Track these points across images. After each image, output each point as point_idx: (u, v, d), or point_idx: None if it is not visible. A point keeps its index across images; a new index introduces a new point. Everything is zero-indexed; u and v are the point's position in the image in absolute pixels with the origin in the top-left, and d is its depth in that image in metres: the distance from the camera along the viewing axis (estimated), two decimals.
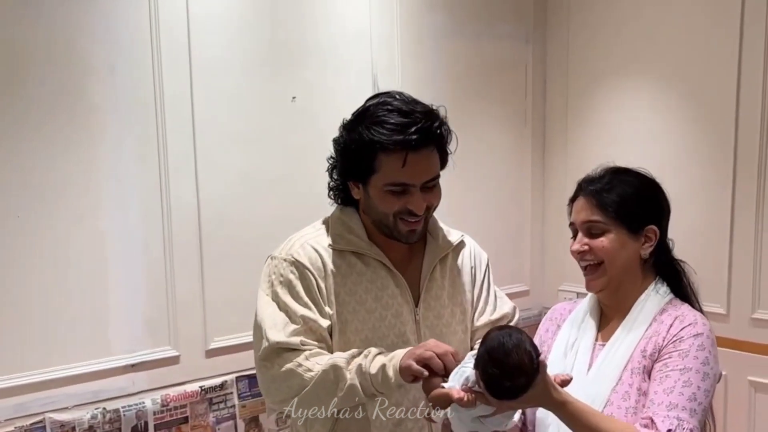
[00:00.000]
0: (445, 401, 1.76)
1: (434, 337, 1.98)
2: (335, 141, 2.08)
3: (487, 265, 2.28)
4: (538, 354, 1.73)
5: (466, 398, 1.73)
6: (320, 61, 3.51)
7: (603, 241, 1.96)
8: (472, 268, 2.22)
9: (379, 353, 1.93)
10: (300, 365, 1.94)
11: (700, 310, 2.00)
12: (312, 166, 3.45)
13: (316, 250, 2.05)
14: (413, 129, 1.91)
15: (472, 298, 2.20)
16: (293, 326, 1.98)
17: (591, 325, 2.06)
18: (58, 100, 2.80)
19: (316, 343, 1.99)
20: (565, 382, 1.81)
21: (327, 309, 2.01)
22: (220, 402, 3.27)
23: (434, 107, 2.02)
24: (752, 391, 3.75)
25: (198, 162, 3.17)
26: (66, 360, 2.89)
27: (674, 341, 1.88)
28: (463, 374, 1.78)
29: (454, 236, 2.21)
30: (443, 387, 1.80)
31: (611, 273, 1.98)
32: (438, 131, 1.97)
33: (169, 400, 3.13)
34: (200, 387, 3.22)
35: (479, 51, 4.21)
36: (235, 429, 3.31)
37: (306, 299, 2.01)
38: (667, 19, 3.95)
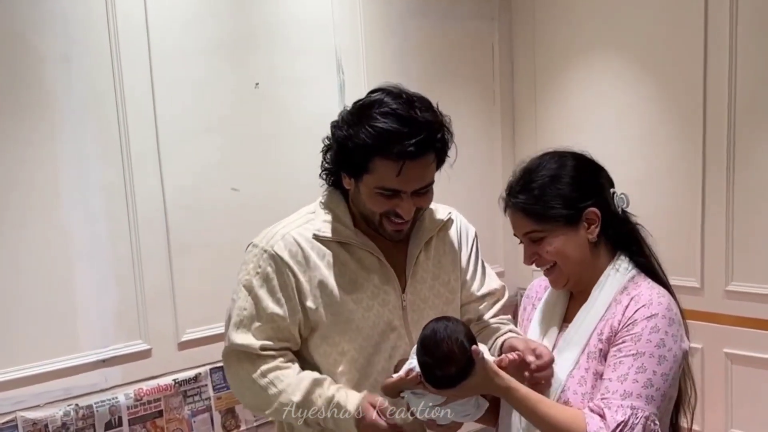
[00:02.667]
0: (393, 389, 1.86)
1: (420, 320, 1.98)
2: (333, 127, 1.97)
3: (475, 238, 2.23)
4: (474, 343, 1.78)
5: (406, 377, 1.80)
6: (282, 46, 3.47)
7: (547, 246, 1.91)
8: (458, 244, 2.17)
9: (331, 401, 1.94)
10: (256, 381, 1.96)
11: (664, 281, 1.94)
12: (279, 152, 3.44)
13: (298, 243, 1.98)
14: (413, 141, 1.82)
15: (459, 274, 2.15)
16: (257, 323, 1.96)
17: (560, 307, 2.02)
18: (12, 93, 2.76)
19: (280, 343, 1.97)
20: (510, 362, 1.84)
21: (309, 303, 1.96)
22: (195, 395, 3.24)
23: (436, 108, 1.93)
24: (728, 363, 3.77)
25: (161, 152, 3.13)
26: (35, 357, 2.86)
27: (628, 325, 1.82)
28: (410, 364, 1.84)
29: (441, 213, 2.16)
30: (392, 377, 1.88)
31: (567, 269, 1.93)
32: (439, 141, 1.89)
33: (142, 394, 3.09)
34: (174, 380, 3.18)
35: (445, 31, 4.18)
36: (211, 421, 3.28)
37: (279, 295, 1.96)
38: None
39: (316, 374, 1.97)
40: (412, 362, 1.83)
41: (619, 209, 1.96)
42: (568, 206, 1.89)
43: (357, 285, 1.99)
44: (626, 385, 1.75)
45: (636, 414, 1.71)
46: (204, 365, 3.26)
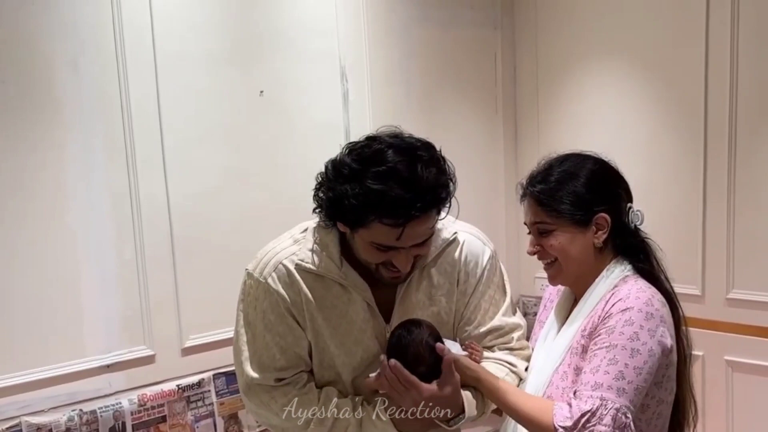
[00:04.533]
0: (371, 389, 1.93)
1: None
2: (328, 173, 1.83)
3: (487, 263, 2.04)
4: (439, 342, 1.88)
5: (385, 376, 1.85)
6: (287, 53, 3.48)
7: (552, 240, 1.95)
8: (458, 273, 2.01)
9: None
10: (279, 414, 1.96)
11: (667, 288, 1.96)
12: (283, 160, 3.46)
13: (290, 273, 1.93)
14: (417, 206, 1.71)
15: (452, 307, 2.02)
16: (268, 355, 1.96)
17: (565, 310, 2.07)
18: (20, 97, 2.77)
19: (293, 371, 1.97)
20: (471, 352, 1.94)
21: (306, 331, 1.95)
22: (198, 400, 3.25)
23: (440, 154, 1.84)
24: (729, 371, 3.77)
25: (166, 159, 3.14)
26: (41, 362, 2.86)
27: (604, 318, 1.85)
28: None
29: (445, 234, 2.00)
30: (370, 376, 1.93)
31: (567, 267, 1.97)
32: (443, 201, 1.81)
33: (146, 399, 3.10)
34: (177, 385, 3.19)
35: (448, 39, 4.19)
36: (214, 427, 3.29)
37: (280, 329, 1.95)
38: (635, 5, 3.95)
39: (336, 399, 1.95)
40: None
41: (632, 224, 2.00)
42: (579, 206, 1.93)
43: (340, 329, 1.95)
44: (597, 377, 1.77)
45: (605, 405, 1.73)
46: (207, 371, 3.27)
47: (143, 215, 3.09)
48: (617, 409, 1.73)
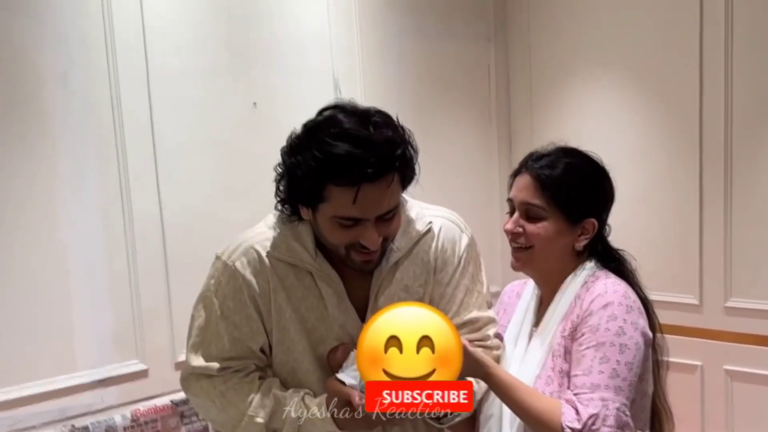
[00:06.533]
0: (343, 401, 1.72)
1: None
2: (283, 153, 1.78)
3: (464, 252, 1.93)
4: None
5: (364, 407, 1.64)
6: (280, 66, 3.48)
7: (539, 228, 1.89)
8: (435, 262, 1.91)
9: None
10: (215, 402, 1.87)
11: (642, 293, 1.92)
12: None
13: (260, 259, 1.83)
14: (369, 162, 1.62)
15: (428, 297, 1.91)
16: (216, 344, 1.86)
17: (530, 314, 2.01)
18: (10, 109, 2.76)
19: (240, 362, 1.87)
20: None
21: (266, 324, 1.86)
22: (192, 415, 3.19)
23: (396, 121, 1.74)
24: (728, 380, 3.74)
25: (159, 171, 3.13)
26: (31, 377, 2.83)
27: (585, 317, 1.81)
28: (353, 377, 1.73)
29: (419, 225, 1.88)
30: (340, 381, 1.74)
31: (541, 260, 1.91)
32: (399, 159, 1.69)
33: (139, 415, 3.06)
34: (171, 400, 3.15)
35: (442, 52, 4.19)
36: None
37: (236, 318, 1.85)
38: (628, 16, 3.96)
39: (276, 391, 1.84)
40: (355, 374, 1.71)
41: (608, 228, 1.99)
42: (578, 204, 1.89)
43: (309, 324, 1.85)
44: (592, 378, 1.74)
45: (607, 406, 1.70)
46: None
47: (135, 228, 3.07)
48: (618, 408, 1.71)
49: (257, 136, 3.39)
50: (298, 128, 1.77)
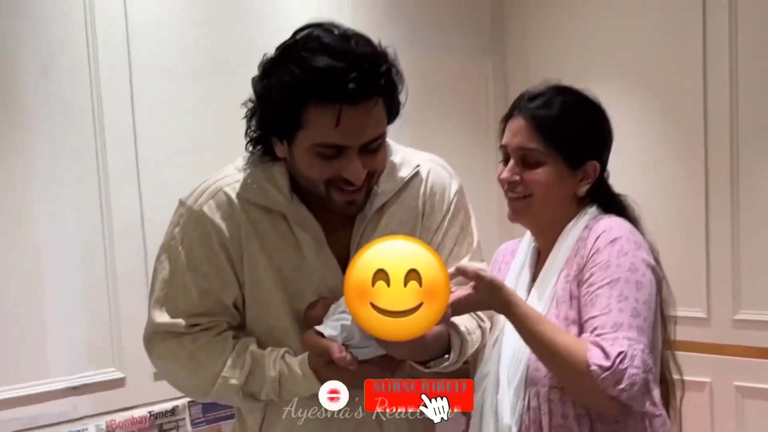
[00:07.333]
0: (324, 356, 1.57)
1: None
2: (254, 82, 1.63)
3: (454, 198, 1.81)
4: None
5: (348, 360, 1.54)
6: None
7: (538, 174, 1.75)
8: (423, 208, 1.77)
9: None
10: (185, 364, 1.68)
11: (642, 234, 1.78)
12: None
13: (230, 202, 1.67)
14: (351, 76, 1.47)
15: None
16: (182, 298, 1.68)
17: (528, 268, 1.87)
18: None
19: (210, 318, 1.70)
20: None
21: (239, 275, 1.69)
22: (172, 429, 3.09)
23: (379, 44, 1.59)
24: (739, 397, 3.61)
25: (141, 174, 3.05)
26: (0, 382, 2.73)
27: (592, 256, 1.67)
28: (340, 322, 1.58)
29: (405, 169, 1.74)
30: (320, 333, 1.60)
31: (541, 208, 1.78)
32: (384, 78, 1.55)
33: (114, 426, 2.94)
34: (149, 412, 3.03)
35: (439, 63, 4.13)
36: None
37: (205, 268, 1.67)
38: (627, 27, 3.92)
39: (253, 349, 1.68)
40: (344, 319, 1.57)
41: (607, 174, 1.86)
42: (578, 145, 1.76)
43: (286, 278, 1.68)
44: (613, 317, 1.59)
45: (633, 347, 1.55)
46: (182, 397, 3.07)
47: (115, 230, 2.98)
48: (642, 350, 1.56)
49: (242, 138, 3.29)
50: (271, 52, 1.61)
